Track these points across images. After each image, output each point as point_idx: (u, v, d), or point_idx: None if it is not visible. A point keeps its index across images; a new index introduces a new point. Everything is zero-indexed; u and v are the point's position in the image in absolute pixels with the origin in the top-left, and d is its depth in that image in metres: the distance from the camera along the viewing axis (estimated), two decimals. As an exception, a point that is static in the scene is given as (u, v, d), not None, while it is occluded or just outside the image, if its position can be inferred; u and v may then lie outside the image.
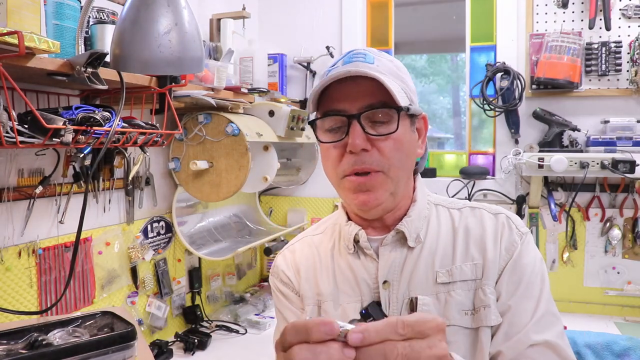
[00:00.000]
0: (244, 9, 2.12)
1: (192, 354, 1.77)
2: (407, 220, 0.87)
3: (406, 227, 0.87)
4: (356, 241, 0.90)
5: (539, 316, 0.82)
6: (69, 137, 1.06)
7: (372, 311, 0.83)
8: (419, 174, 0.96)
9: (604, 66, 2.12)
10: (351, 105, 0.82)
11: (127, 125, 1.27)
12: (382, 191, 0.83)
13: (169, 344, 1.76)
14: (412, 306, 0.84)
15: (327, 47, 2.44)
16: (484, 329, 0.81)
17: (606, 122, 2.09)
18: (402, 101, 0.81)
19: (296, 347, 0.51)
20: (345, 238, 0.91)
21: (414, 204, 0.90)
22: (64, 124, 1.05)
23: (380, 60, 0.84)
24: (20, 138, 1.00)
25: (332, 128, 0.85)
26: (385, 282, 0.86)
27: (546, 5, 2.20)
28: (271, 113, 1.99)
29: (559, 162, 1.96)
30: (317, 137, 0.88)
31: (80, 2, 1.18)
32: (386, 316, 0.83)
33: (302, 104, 2.47)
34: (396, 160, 0.83)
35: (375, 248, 0.89)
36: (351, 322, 0.53)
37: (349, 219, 0.93)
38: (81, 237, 1.28)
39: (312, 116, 0.88)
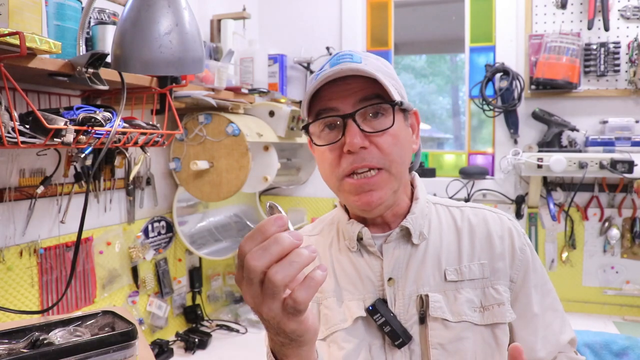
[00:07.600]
0: (244, 9, 2.13)
1: (193, 354, 1.78)
2: (411, 217, 0.87)
3: (411, 223, 0.86)
4: (359, 239, 0.89)
5: (561, 316, 0.90)
6: (70, 138, 1.06)
7: (379, 307, 0.83)
8: (416, 172, 0.96)
9: (602, 67, 2.12)
10: (344, 104, 0.81)
11: (128, 125, 1.27)
12: (387, 190, 0.82)
13: (170, 343, 1.77)
14: (422, 303, 0.84)
15: (327, 48, 2.45)
16: (501, 326, 0.84)
17: (605, 122, 2.10)
18: (395, 96, 0.81)
19: (248, 254, 0.56)
20: (347, 236, 0.90)
21: (417, 202, 0.90)
22: (65, 124, 1.06)
23: (367, 60, 0.83)
24: (21, 138, 1.01)
25: (327, 129, 0.83)
26: (390, 279, 0.86)
27: (545, 6, 2.21)
28: (271, 113, 1.99)
29: (558, 162, 1.96)
30: (312, 142, 0.86)
31: (82, 3, 1.18)
32: (392, 313, 0.83)
33: (302, 104, 2.47)
34: (396, 156, 0.82)
35: (378, 246, 0.88)
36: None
37: (350, 217, 0.91)
38: (82, 237, 1.28)
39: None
